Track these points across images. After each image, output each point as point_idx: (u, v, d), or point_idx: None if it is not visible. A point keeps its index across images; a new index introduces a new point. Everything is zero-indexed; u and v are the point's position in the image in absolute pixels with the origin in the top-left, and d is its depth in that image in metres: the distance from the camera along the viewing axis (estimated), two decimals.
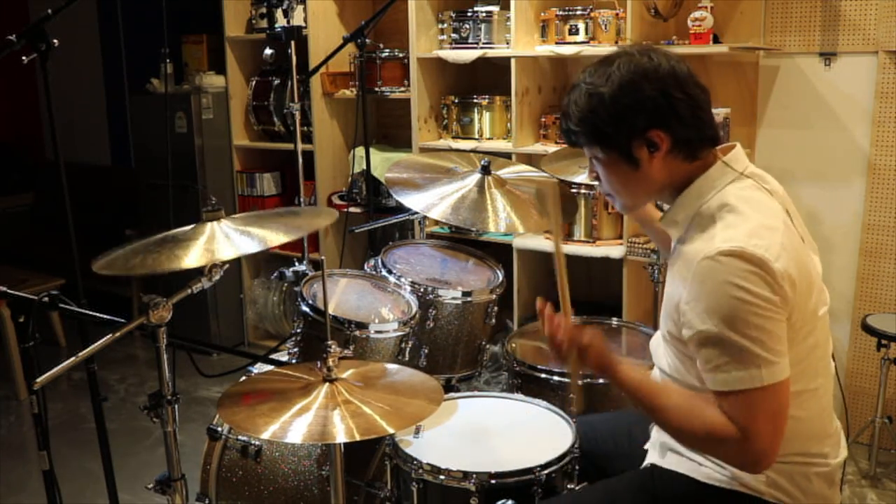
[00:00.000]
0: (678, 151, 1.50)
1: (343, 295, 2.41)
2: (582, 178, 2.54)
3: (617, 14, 3.24)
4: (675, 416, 1.49)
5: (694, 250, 1.45)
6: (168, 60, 3.45)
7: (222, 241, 1.70)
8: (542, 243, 3.50)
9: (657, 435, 1.72)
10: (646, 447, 1.76)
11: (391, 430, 1.54)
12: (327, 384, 1.64)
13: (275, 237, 1.73)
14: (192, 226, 1.77)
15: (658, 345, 1.67)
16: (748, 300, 1.37)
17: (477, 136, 3.71)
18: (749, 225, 1.43)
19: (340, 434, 1.49)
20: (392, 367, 1.87)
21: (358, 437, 1.49)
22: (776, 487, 1.52)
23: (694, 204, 1.52)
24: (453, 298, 2.43)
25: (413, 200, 2.38)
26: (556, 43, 3.39)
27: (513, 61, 3.45)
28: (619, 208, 1.65)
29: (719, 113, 3.01)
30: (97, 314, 1.91)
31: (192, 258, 1.64)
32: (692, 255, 1.44)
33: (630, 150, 1.49)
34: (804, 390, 1.50)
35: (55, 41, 2.17)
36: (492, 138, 3.69)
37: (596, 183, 1.63)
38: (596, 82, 1.48)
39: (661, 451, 1.68)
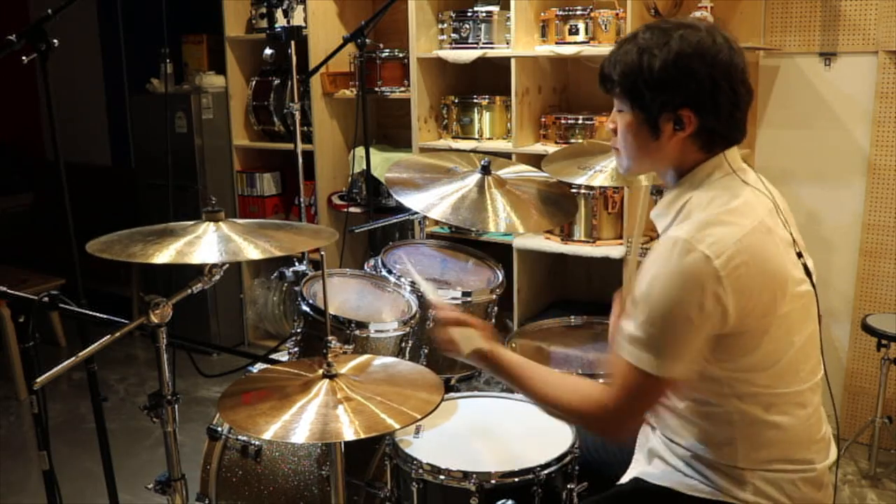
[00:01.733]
0: (699, 138, 1.50)
1: (343, 295, 2.41)
2: (582, 178, 2.53)
3: (617, 14, 3.24)
4: (546, 386, 1.56)
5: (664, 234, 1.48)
6: (168, 60, 3.45)
7: (223, 243, 1.69)
8: (542, 243, 3.50)
9: (644, 440, 1.71)
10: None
11: (396, 426, 1.54)
12: (327, 380, 1.64)
13: (277, 248, 1.73)
14: (191, 222, 1.77)
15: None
16: (676, 296, 1.40)
17: (477, 136, 3.71)
18: (706, 219, 1.44)
19: (344, 432, 1.49)
20: (390, 360, 1.87)
21: (361, 435, 1.48)
22: (762, 496, 1.51)
23: (685, 195, 1.52)
24: (453, 298, 2.43)
25: (413, 200, 2.38)
26: (556, 43, 3.39)
27: (513, 61, 3.45)
28: (619, 166, 1.63)
29: None
30: (97, 314, 1.91)
31: (194, 256, 1.64)
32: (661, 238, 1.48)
33: (657, 119, 1.49)
34: (785, 393, 1.49)
35: (55, 41, 2.17)
36: (492, 138, 3.69)
37: (610, 126, 1.60)
38: (652, 44, 1.46)
39: (647, 457, 1.68)
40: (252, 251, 1.69)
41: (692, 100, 1.46)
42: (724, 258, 1.39)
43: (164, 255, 1.63)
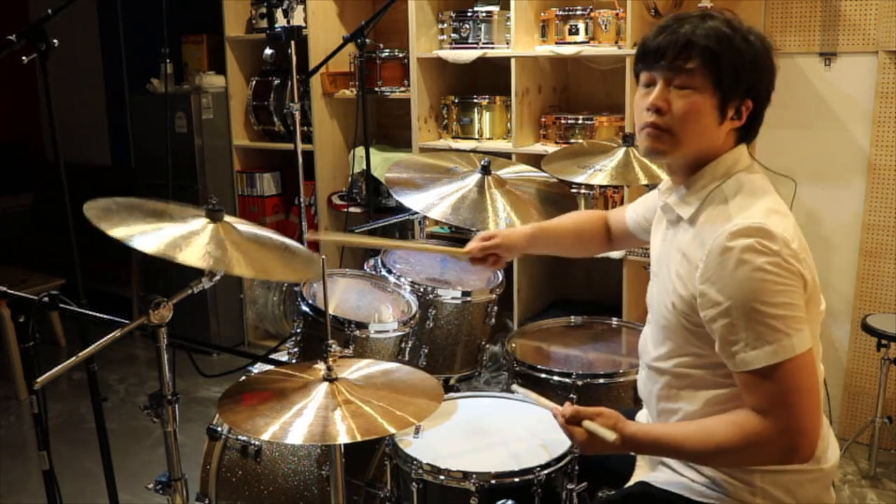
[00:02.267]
0: (742, 130, 1.51)
1: (343, 295, 2.41)
2: (582, 178, 2.53)
3: (617, 14, 3.24)
4: (707, 446, 1.45)
5: (709, 229, 1.44)
6: (168, 60, 3.45)
7: (219, 249, 1.67)
8: None
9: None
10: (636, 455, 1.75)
11: (392, 430, 1.54)
12: (327, 384, 1.64)
13: (271, 270, 1.72)
14: (193, 211, 1.76)
15: (647, 340, 1.65)
16: (771, 272, 1.36)
17: (477, 136, 3.71)
18: (765, 206, 1.44)
19: (341, 434, 1.49)
20: (391, 365, 1.87)
21: (359, 438, 1.49)
22: (770, 499, 1.51)
23: (710, 184, 1.51)
24: (453, 298, 2.43)
25: (413, 200, 2.38)
26: (556, 43, 3.39)
27: (513, 61, 3.45)
28: (651, 147, 1.50)
29: None
30: (97, 314, 1.91)
31: (187, 255, 1.62)
32: (707, 234, 1.44)
33: (727, 103, 1.46)
34: None
35: (55, 41, 2.17)
36: (492, 138, 3.69)
37: (656, 104, 1.47)
38: (743, 29, 1.46)
39: (650, 462, 1.67)
40: (240, 265, 1.66)
41: (759, 92, 1.48)
42: (796, 245, 1.40)
43: (155, 241, 1.60)
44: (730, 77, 1.44)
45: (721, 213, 1.45)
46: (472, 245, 2.04)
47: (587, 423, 1.52)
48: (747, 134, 1.53)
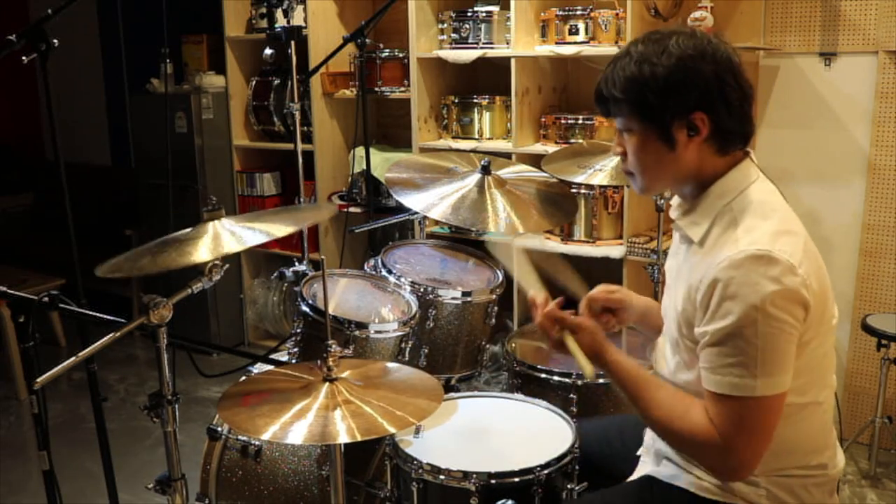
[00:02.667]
0: (714, 141, 1.47)
1: (343, 295, 2.41)
2: (582, 177, 2.54)
3: (617, 14, 3.24)
4: (660, 410, 1.49)
5: (716, 253, 1.43)
6: (168, 60, 3.45)
7: (226, 236, 1.70)
8: (542, 243, 3.50)
9: (651, 441, 1.70)
10: (638, 453, 1.75)
11: (392, 430, 1.54)
12: (327, 384, 1.64)
13: (277, 229, 1.73)
14: (190, 228, 1.77)
15: (659, 353, 1.65)
16: (766, 310, 1.35)
17: (477, 136, 3.71)
18: (774, 228, 1.41)
19: (341, 434, 1.49)
20: (392, 365, 1.87)
21: (359, 438, 1.49)
22: (776, 501, 1.51)
23: (717, 203, 1.49)
24: (453, 298, 2.43)
25: (413, 200, 2.38)
26: (556, 43, 3.39)
27: (513, 61, 3.45)
28: (636, 188, 1.58)
29: None
30: (97, 314, 1.91)
31: (201, 254, 1.64)
32: (713, 258, 1.42)
33: (670, 128, 1.45)
34: (811, 402, 1.49)
35: (55, 41, 2.17)
36: (492, 138, 3.69)
37: (619, 157, 1.56)
38: (650, 53, 1.44)
39: (655, 458, 1.67)
40: (256, 236, 1.69)
41: (703, 101, 1.43)
42: (805, 268, 1.38)
43: (173, 258, 1.63)
44: (650, 107, 1.45)
45: (729, 236, 1.43)
46: (600, 293, 1.82)
47: (570, 344, 1.56)
48: (727, 141, 1.48)
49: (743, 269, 1.36)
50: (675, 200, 1.62)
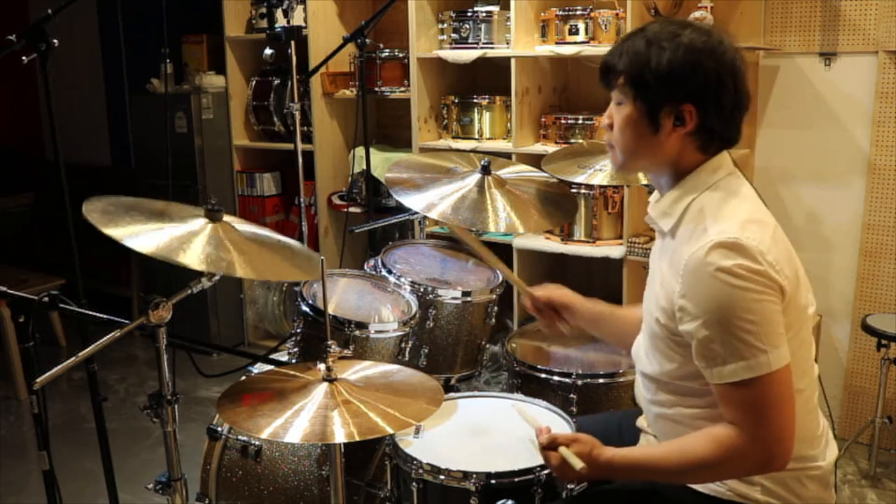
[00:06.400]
0: (697, 137, 1.49)
1: (343, 295, 2.41)
2: (582, 178, 2.53)
3: (617, 14, 3.24)
4: (683, 473, 1.49)
5: (687, 243, 1.45)
6: (168, 60, 3.45)
7: (217, 248, 1.67)
8: (542, 243, 3.50)
9: (645, 439, 1.71)
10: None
11: (391, 431, 1.54)
12: (327, 384, 1.64)
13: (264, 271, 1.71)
14: (192, 212, 1.76)
15: (640, 348, 1.65)
16: (745, 287, 1.37)
17: (477, 136, 3.71)
18: (742, 217, 1.43)
19: (340, 434, 1.49)
20: (392, 367, 1.87)
21: (357, 438, 1.49)
22: (772, 495, 1.51)
23: (688, 196, 1.51)
24: (453, 298, 2.43)
25: (413, 200, 2.38)
26: (556, 43, 3.39)
27: (513, 61, 3.45)
28: (613, 162, 1.62)
29: None
30: (97, 314, 1.91)
31: (189, 258, 1.62)
32: (685, 249, 1.44)
33: (658, 112, 1.48)
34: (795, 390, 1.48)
35: (55, 41, 2.17)
36: (492, 138, 3.69)
37: (606, 122, 1.60)
38: (662, 36, 1.47)
39: None
40: (241, 267, 1.65)
41: (696, 95, 1.45)
42: (773, 255, 1.40)
43: (154, 241, 1.60)
44: (646, 87, 1.47)
45: (698, 226, 1.46)
46: (543, 292, 1.94)
47: (563, 450, 1.53)
48: (710, 140, 1.50)
49: (713, 257, 1.38)
50: (654, 197, 1.64)
